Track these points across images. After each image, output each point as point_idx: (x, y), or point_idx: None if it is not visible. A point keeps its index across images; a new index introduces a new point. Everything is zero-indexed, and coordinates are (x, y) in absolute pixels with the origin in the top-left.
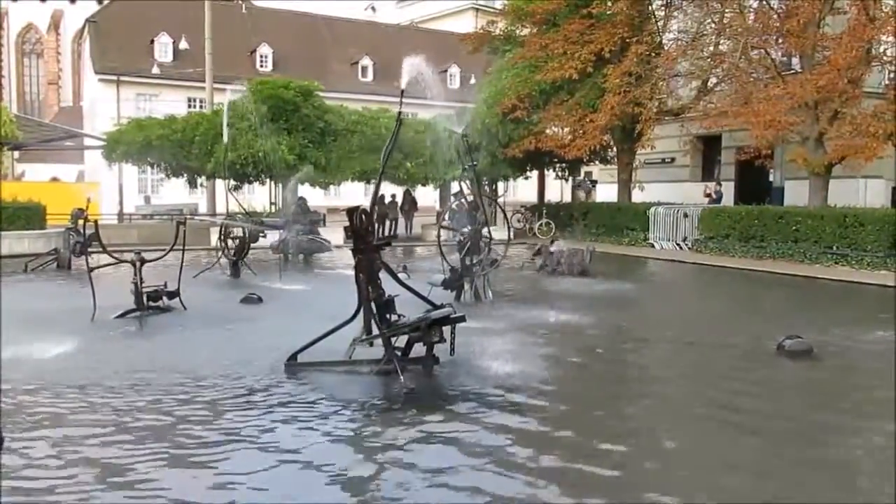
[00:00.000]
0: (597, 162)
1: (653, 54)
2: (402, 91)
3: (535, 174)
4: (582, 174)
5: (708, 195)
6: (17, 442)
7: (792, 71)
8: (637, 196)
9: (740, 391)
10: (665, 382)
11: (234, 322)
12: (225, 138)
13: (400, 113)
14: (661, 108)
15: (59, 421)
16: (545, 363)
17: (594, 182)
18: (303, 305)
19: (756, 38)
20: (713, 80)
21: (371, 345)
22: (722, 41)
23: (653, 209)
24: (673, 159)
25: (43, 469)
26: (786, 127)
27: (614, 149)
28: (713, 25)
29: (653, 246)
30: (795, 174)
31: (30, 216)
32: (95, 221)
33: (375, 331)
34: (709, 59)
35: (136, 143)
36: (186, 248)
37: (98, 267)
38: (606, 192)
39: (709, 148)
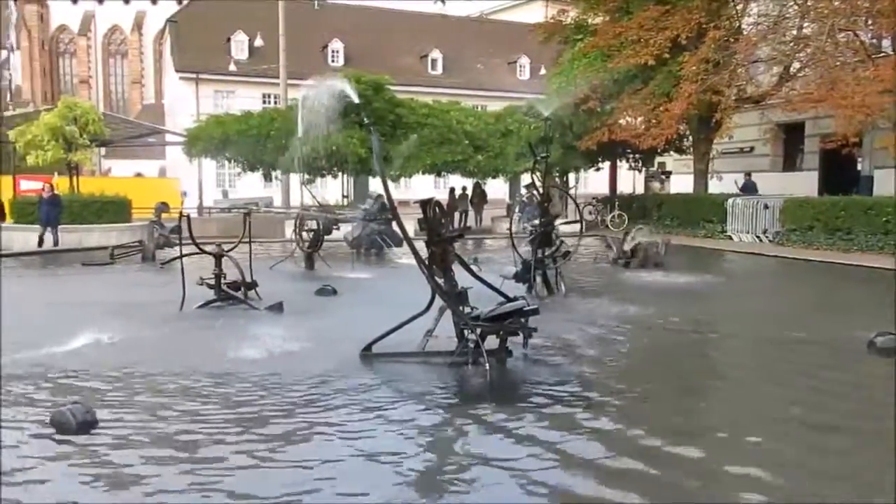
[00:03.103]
0: (671, 152)
1: (731, 40)
2: (359, 104)
3: (606, 165)
4: (655, 165)
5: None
6: (109, 423)
7: (883, 54)
8: (714, 187)
9: (829, 390)
10: (747, 380)
11: (310, 313)
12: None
13: (371, 126)
14: (740, 96)
15: (136, 405)
16: (620, 358)
17: (668, 173)
18: (376, 297)
19: (843, 19)
20: (796, 65)
21: (463, 335)
22: (806, 24)
23: (731, 200)
24: (752, 148)
25: (128, 448)
26: (876, 112)
27: (690, 138)
28: (796, 8)
29: (731, 238)
30: (885, 162)
31: (117, 210)
32: (188, 216)
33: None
34: (792, 44)
35: (214, 139)
36: (263, 240)
37: (175, 258)
38: (681, 183)
39: (791, 136)
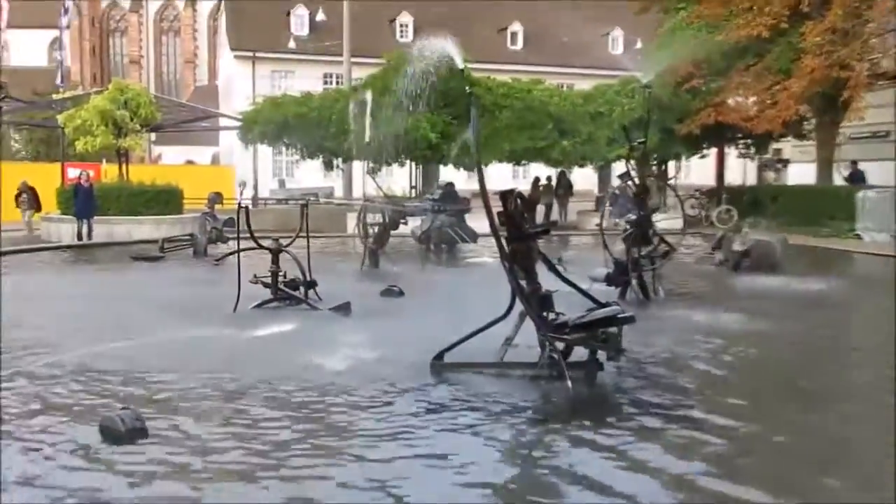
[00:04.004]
0: (789, 137)
1: (863, 5)
2: (463, 70)
3: (712, 152)
4: (770, 152)
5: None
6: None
7: None
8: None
9: None
10: (874, 401)
11: (374, 317)
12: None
13: (471, 93)
14: (873, 71)
15: (187, 412)
16: (727, 374)
17: (785, 161)
18: (448, 300)
19: None
20: None
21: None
22: None
23: (861, 193)
24: (888, 133)
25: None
26: None
27: (812, 121)
28: None
29: (860, 237)
30: None
31: (168, 200)
32: (246, 207)
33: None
34: None
35: (271, 123)
36: (322, 234)
37: (230, 254)
38: (801, 173)
39: None
